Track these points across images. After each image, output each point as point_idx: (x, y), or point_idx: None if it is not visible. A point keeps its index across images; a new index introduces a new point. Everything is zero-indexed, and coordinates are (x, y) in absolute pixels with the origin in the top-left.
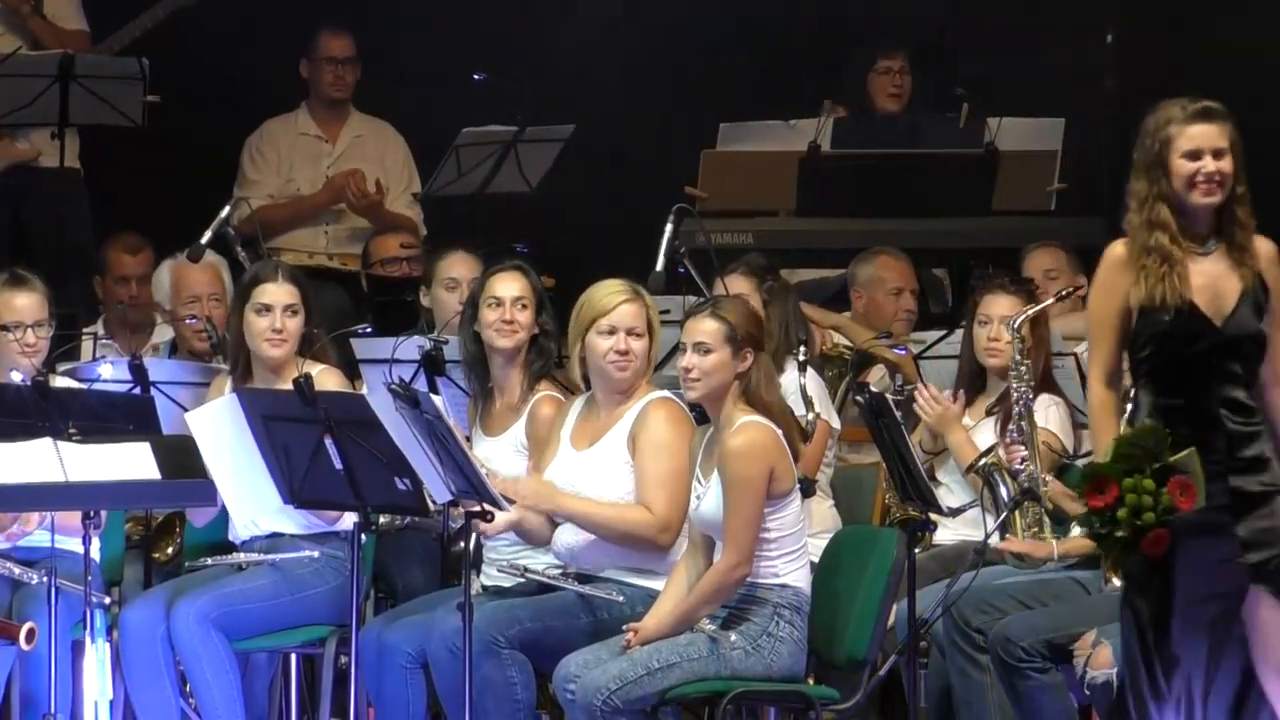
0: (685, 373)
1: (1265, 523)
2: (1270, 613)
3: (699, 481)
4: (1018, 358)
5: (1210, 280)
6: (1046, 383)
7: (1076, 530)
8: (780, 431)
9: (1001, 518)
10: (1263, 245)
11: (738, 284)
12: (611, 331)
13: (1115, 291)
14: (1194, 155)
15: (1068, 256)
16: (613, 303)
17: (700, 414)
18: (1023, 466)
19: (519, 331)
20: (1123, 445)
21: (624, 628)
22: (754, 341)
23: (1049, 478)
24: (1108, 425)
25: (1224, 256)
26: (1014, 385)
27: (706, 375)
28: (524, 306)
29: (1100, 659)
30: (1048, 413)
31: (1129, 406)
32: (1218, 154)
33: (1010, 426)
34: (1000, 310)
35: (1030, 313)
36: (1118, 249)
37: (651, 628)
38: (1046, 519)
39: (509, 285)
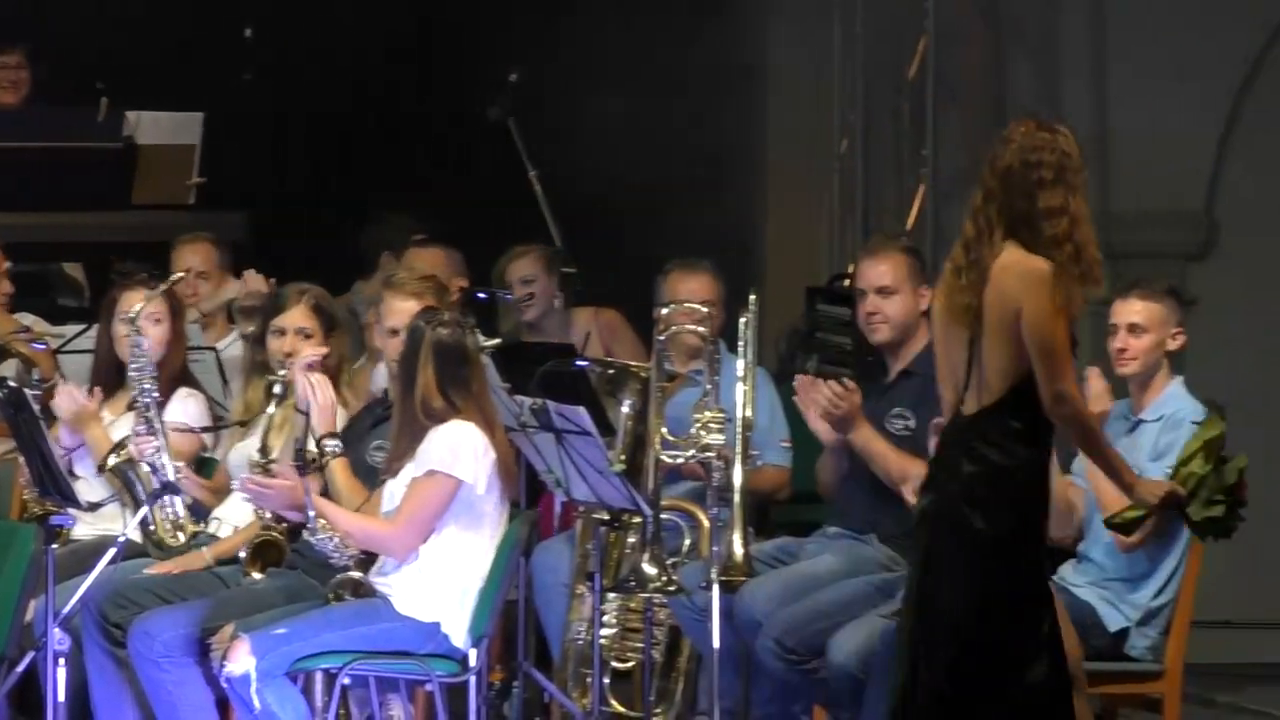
0: None
1: None
2: None
3: None
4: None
5: None
6: (183, 377)
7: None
8: None
9: (140, 512)
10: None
11: None
12: None
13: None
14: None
15: (216, 250)
16: None
17: None
18: (157, 460)
19: None
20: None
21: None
22: None
23: (184, 468)
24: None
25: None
26: (140, 381)
27: None
28: None
29: (237, 651)
30: (185, 405)
31: None
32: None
33: (138, 422)
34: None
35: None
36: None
37: None
38: (184, 512)
39: None
